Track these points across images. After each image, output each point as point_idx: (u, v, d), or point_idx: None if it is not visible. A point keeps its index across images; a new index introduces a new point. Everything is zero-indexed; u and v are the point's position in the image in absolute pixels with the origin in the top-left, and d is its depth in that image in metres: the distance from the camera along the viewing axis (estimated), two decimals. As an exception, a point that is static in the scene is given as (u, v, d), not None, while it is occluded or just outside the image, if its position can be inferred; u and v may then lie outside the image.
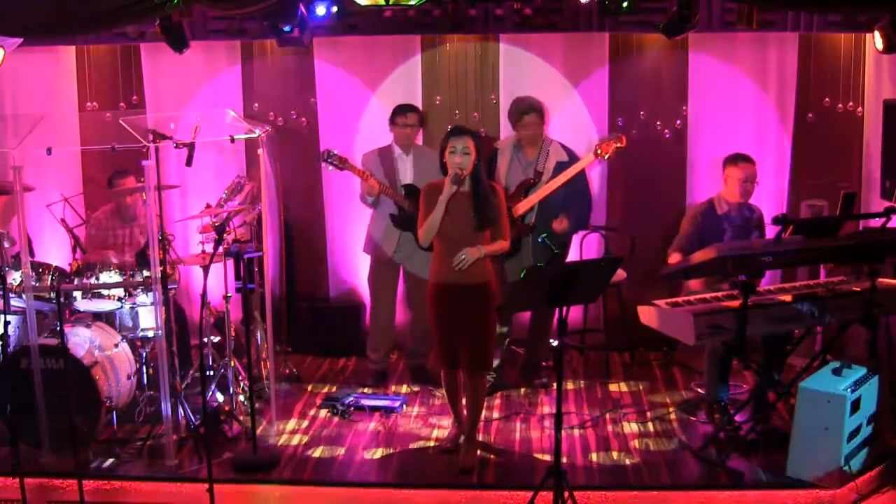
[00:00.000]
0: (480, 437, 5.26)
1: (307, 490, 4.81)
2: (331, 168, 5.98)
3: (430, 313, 4.98)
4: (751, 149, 6.28)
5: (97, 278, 5.41)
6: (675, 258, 5.48)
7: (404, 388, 6.16)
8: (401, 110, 6.04)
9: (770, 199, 6.57)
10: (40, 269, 5.39)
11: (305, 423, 5.60)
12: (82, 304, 5.50)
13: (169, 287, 5.33)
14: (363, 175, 5.89)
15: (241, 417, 5.46)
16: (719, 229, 5.51)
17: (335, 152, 5.92)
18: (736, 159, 5.63)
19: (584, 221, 6.14)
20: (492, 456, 5.11)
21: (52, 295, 5.27)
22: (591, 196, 6.24)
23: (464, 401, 5.12)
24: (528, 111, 5.83)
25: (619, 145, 5.89)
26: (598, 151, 5.88)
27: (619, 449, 5.17)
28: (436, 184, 4.89)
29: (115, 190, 6.12)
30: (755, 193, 5.77)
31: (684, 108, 6.66)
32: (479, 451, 5.08)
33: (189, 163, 5.29)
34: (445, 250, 4.84)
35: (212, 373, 5.77)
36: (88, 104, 6.85)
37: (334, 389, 6.14)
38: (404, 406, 5.80)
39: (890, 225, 4.96)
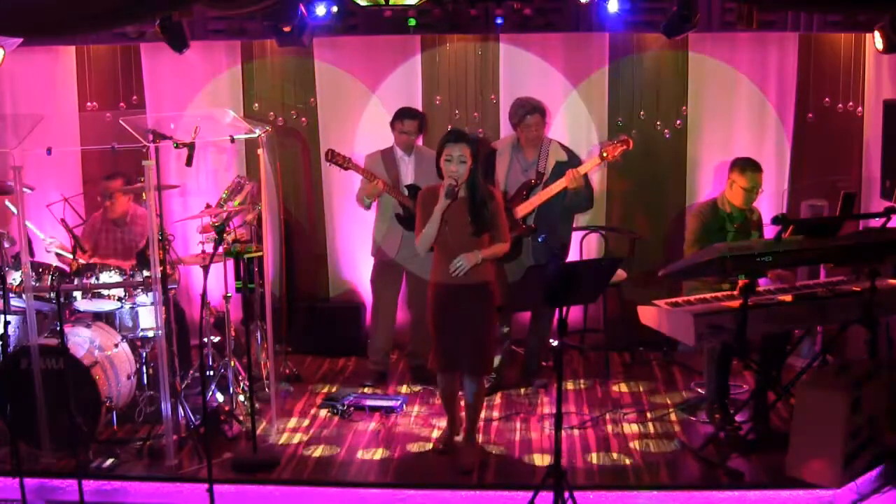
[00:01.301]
0: (480, 438, 5.26)
1: (307, 490, 4.81)
2: (332, 167, 5.99)
3: (430, 314, 4.98)
4: (750, 149, 6.29)
5: (97, 278, 5.41)
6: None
7: (404, 388, 6.16)
8: (399, 116, 6.03)
9: (770, 199, 6.57)
10: (40, 269, 5.39)
11: (305, 423, 5.60)
12: (82, 304, 5.49)
13: (169, 287, 5.33)
14: (368, 175, 5.89)
15: (241, 417, 5.46)
16: (722, 229, 5.49)
17: (340, 153, 5.94)
18: (743, 167, 5.44)
19: (588, 204, 6.09)
20: (492, 452, 5.11)
21: (52, 295, 5.27)
22: (593, 190, 6.20)
23: (462, 402, 5.13)
24: (532, 112, 5.80)
25: (625, 148, 5.84)
26: (604, 154, 5.84)
27: (619, 449, 5.17)
28: (432, 189, 4.90)
29: (100, 189, 6.13)
30: (761, 193, 5.75)
31: (684, 108, 6.66)
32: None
33: (189, 163, 5.29)
34: (444, 255, 4.84)
35: (212, 373, 5.78)
36: (88, 104, 6.85)
37: (334, 389, 6.14)
38: (404, 406, 5.80)
39: (890, 225, 4.96)
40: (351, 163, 5.94)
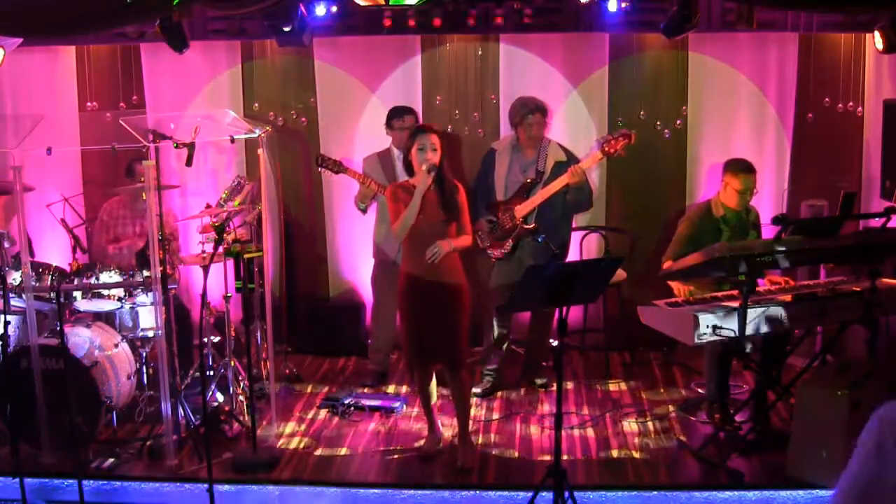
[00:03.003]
0: (481, 438, 5.27)
1: (307, 490, 4.80)
2: (325, 172, 6.00)
3: (401, 307, 5.03)
4: (750, 149, 6.29)
5: (97, 278, 5.41)
6: (668, 266, 5.44)
7: (404, 388, 6.16)
8: (397, 113, 6.05)
9: (770, 198, 6.57)
10: (40, 269, 5.39)
11: (305, 423, 5.61)
12: (82, 304, 5.50)
13: (169, 287, 5.33)
14: (361, 178, 5.90)
15: (241, 417, 5.46)
16: (716, 231, 5.49)
17: (329, 157, 5.95)
18: (736, 169, 5.42)
19: (588, 203, 6.06)
20: (492, 452, 5.11)
21: (52, 295, 5.27)
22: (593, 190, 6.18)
23: (451, 403, 5.14)
24: (533, 111, 5.79)
25: (627, 142, 5.71)
26: (606, 149, 5.79)
27: (619, 449, 5.17)
28: (401, 183, 5.01)
29: (138, 175, 6.09)
30: (755, 194, 5.75)
31: (684, 108, 6.66)
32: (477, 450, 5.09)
33: (189, 163, 5.29)
34: (416, 245, 4.90)
35: (212, 373, 5.78)
36: (88, 104, 6.84)
37: (334, 389, 6.14)
38: (404, 406, 5.80)
39: (890, 225, 4.96)
40: (342, 166, 5.93)
